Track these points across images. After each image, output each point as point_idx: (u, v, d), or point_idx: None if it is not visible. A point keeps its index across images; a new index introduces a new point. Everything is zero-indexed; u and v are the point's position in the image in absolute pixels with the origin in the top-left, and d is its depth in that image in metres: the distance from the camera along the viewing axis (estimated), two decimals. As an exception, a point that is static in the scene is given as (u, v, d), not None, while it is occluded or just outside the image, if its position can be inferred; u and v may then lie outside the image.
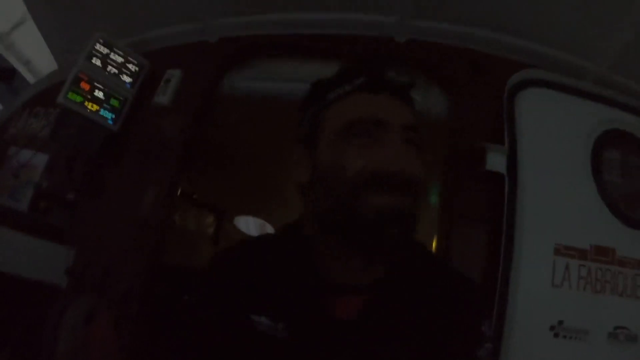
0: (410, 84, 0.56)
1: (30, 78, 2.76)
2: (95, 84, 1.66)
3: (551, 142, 1.39)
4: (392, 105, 0.52)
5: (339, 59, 1.44)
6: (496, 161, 1.30)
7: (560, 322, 1.24)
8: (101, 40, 1.67)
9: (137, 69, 1.72)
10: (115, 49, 1.69)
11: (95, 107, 1.65)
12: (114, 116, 1.68)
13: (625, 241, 1.36)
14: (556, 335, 1.23)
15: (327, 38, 1.50)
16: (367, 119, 0.51)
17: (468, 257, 1.27)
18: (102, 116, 1.65)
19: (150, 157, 1.58)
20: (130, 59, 1.72)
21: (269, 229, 1.94)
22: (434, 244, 1.32)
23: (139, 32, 1.79)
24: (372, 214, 0.47)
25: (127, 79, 1.71)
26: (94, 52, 1.66)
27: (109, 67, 1.68)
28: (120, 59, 1.70)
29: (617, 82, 1.57)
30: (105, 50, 1.68)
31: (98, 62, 1.67)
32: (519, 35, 1.51)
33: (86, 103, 1.64)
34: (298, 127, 0.58)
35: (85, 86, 1.64)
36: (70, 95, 1.61)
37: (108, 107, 1.67)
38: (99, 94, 1.66)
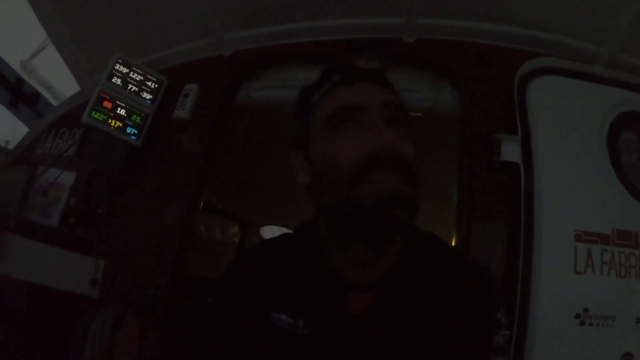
0: (382, 68, 0.57)
1: (53, 102, 2.89)
2: (117, 102, 1.74)
3: (566, 128, 1.38)
4: (369, 90, 0.53)
5: (350, 62, 1.48)
6: (511, 151, 1.31)
7: (586, 310, 1.22)
8: (120, 60, 1.76)
9: (156, 85, 1.80)
10: (134, 68, 1.78)
11: (118, 124, 1.73)
12: (136, 132, 1.75)
13: (649, 224, 1.35)
14: (582, 323, 1.21)
15: (338, 43, 1.54)
16: (346, 106, 0.52)
17: (488, 249, 1.27)
18: (125, 133, 1.73)
19: (172, 169, 1.65)
20: (149, 77, 1.79)
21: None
22: (453, 239, 1.33)
23: (157, 50, 1.86)
24: (372, 200, 0.47)
25: (147, 95, 1.79)
26: (114, 72, 1.75)
27: (129, 86, 1.77)
28: (139, 77, 1.78)
29: (628, 63, 1.55)
30: (124, 70, 1.77)
31: (118, 81, 1.75)
32: (525, 25, 1.52)
33: (109, 121, 1.72)
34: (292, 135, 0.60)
35: (107, 105, 1.73)
36: (94, 114, 1.70)
37: (130, 123, 1.75)
38: (121, 111, 1.74)
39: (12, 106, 2.65)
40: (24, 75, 2.90)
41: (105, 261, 1.62)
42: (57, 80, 2.86)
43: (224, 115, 1.66)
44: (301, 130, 0.57)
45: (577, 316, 1.22)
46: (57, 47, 2.16)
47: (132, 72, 1.77)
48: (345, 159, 0.49)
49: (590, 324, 1.22)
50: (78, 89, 2.31)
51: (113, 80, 1.75)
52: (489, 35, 1.52)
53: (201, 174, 1.59)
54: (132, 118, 1.75)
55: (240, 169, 1.88)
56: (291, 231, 0.64)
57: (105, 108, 1.72)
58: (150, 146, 1.75)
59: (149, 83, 1.79)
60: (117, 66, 1.75)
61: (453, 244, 1.32)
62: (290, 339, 0.51)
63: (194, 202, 1.57)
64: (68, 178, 1.99)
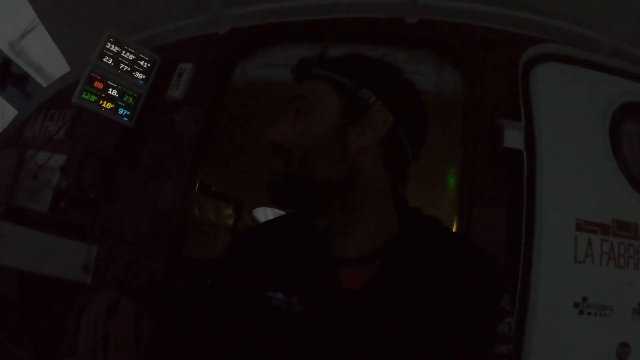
0: (301, 65, 0.63)
1: (42, 83, 2.80)
2: (109, 82, 1.68)
3: (568, 116, 1.37)
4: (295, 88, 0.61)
5: (350, 42, 1.44)
6: (514, 137, 1.28)
7: (585, 299, 1.23)
8: (111, 39, 1.69)
9: (148, 64, 1.74)
10: (126, 47, 1.71)
11: (110, 105, 1.67)
12: (129, 113, 1.70)
13: (648, 215, 1.34)
14: (581, 312, 1.21)
15: (337, 22, 1.49)
16: None
17: (489, 235, 1.25)
18: (117, 114, 1.67)
19: (166, 151, 1.60)
20: (142, 56, 1.73)
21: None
22: (454, 222, 1.31)
23: (149, 27, 1.79)
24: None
25: (139, 75, 1.72)
26: (105, 51, 1.68)
27: (121, 65, 1.70)
28: (131, 56, 1.72)
29: (632, 53, 1.53)
30: (116, 49, 1.70)
31: (110, 61, 1.69)
32: (531, 9, 1.48)
33: (101, 102, 1.66)
34: None
35: (98, 85, 1.66)
36: (85, 95, 1.63)
37: (122, 104, 1.69)
38: (113, 92, 1.68)
39: (0, 87, 2.57)
40: (13, 57, 2.81)
41: (98, 246, 1.58)
42: (47, 61, 2.77)
43: (219, 95, 1.61)
44: None
45: (576, 305, 1.21)
46: (46, 25, 2.08)
47: (123, 51, 1.71)
48: None
49: (589, 314, 1.22)
50: (68, 70, 2.24)
51: (104, 59, 1.68)
52: (494, 18, 1.48)
53: (196, 155, 1.55)
54: (124, 99, 1.69)
55: (235, 149, 1.83)
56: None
57: (96, 89, 1.66)
58: (144, 127, 1.70)
59: (142, 62, 1.73)
60: (109, 45, 1.68)
61: (453, 226, 1.30)
62: (286, 316, 0.52)
63: (189, 184, 1.53)
64: (58, 161, 1.93)
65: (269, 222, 0.68)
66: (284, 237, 0.60)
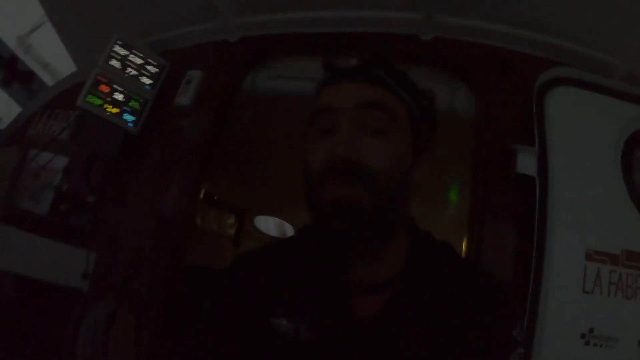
0: (371, 64, 0.52)
1: (49, 81, 2.79)
2: (115, 86, 1.65)
3: (581, 142, 1.35)
4: (348, 89, 0.50)
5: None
6: (527, 163, 1.26)
7: (591, 330, 1.21)
8: (120, 42, 1.67)
9: (156, 70, 1.72)
10: (134, 51, 1.69)
11: (115, 110, 1.64)
12: (134, 118, 1.67)
13: (658, 246, 1.33)
14: (587, 343, 1.20)
15: (351, 36, 1.47)
16: (316, 110, 0.51)
17: (498, 261, 1.23)
18: (122, 119, 1.65)
19: (171, 158, 1.58)
20: (150, 60, 1.71)
21: (289, 229, 1.93)
22: (463, 247, 1.29)
23: (159, 32, 1.77)
24: (327, 205, 0.47)
25: (146, 80, 1.70)
26: (112, 53, 1.66)
27: (128, 69, 1.68)
28: (139, 61, 1.69)
29: (646, 79, 1.52)
30: (124, 52, 1.68)
31: (117, 64, 1.66)
32: (546, 31, 1.47)
33: (105, 106, 1.63)
34: None
35: (104, 89, 1.64)
36: (90, 98, 1.61)
37: (128, 109, 1.67)
38: (119, 96, 1.66)
39: (6, 84, 2.55)
40: (21, 51, 2.80)
41: (99, 252, 1.55)
42: (55, 58, 2.75)
43: (228, 105, 1.59)
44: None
45: (583, 336, 1.20)
46: (55, 24, 2.07)
47: (131, 55, 1.68)
48: (311, 169, 0.50)
49: (595, 345, 1.20)
50: (74, 69, 2.22)
51: (111, 62, 1.66)
52: (509, 39, 1.47)
53: (202, 164, 1.52)
54: (130, 104, 1.67)
55: (241, 159, 1.81)
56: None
57: (102, 92, 1.64)
58: (149, 133, 1.67)
59: (150, 67, 1.71)
60: (117, 48, 1.66)
61: (462, 250, 1.28)
62: (293, 345, 0.49)
63: (193, 192, 1.51)
64: (61, 162, 1.91)
65: (273, 244, 0.65)
66: (290, 258, 0.57)
